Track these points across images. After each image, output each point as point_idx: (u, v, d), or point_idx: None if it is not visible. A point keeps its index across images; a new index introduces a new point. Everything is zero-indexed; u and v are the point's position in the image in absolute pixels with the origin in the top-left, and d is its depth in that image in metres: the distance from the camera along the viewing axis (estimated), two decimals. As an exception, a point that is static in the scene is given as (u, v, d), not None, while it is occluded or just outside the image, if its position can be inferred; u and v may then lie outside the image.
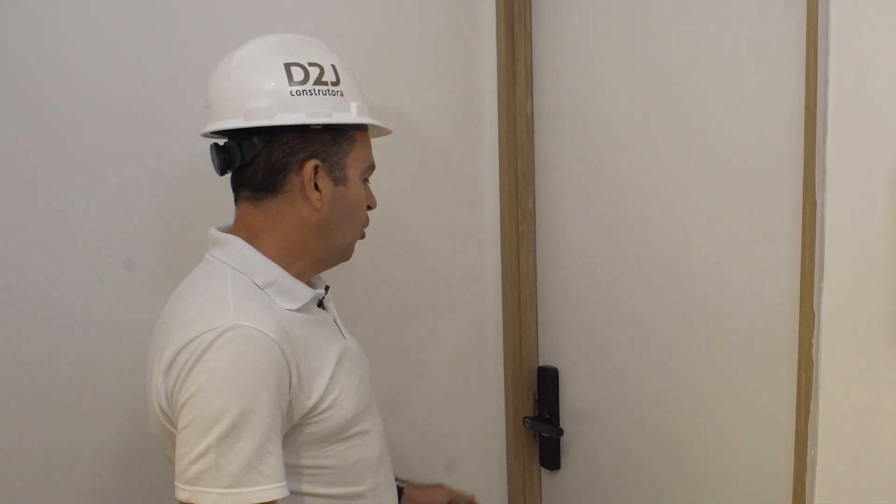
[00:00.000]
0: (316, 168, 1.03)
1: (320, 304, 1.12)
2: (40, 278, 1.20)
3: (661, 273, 1.37)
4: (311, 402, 0.98)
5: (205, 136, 1.08)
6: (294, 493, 0.97)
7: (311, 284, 1.11)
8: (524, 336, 1.62)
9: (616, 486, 1.51)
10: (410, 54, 1.51)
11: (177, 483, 0.90)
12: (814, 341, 1.06)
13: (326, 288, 1.14)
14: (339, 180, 1.05)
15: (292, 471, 0.97)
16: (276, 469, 0.91)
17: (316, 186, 1.03)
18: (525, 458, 1.63)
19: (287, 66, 1.02)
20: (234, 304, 0.95)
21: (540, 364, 1.63)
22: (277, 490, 0.90)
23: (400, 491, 1.29)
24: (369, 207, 1.11)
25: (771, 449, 1.19)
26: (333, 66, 1.05)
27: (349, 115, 1.05)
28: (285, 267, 1.04)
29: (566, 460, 1.60)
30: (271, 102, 1.01)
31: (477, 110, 1.59)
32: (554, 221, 1.57)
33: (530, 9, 1.55)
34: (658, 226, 1.36)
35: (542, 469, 1.65)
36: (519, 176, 1.58)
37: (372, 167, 1.10)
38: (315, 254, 1.07)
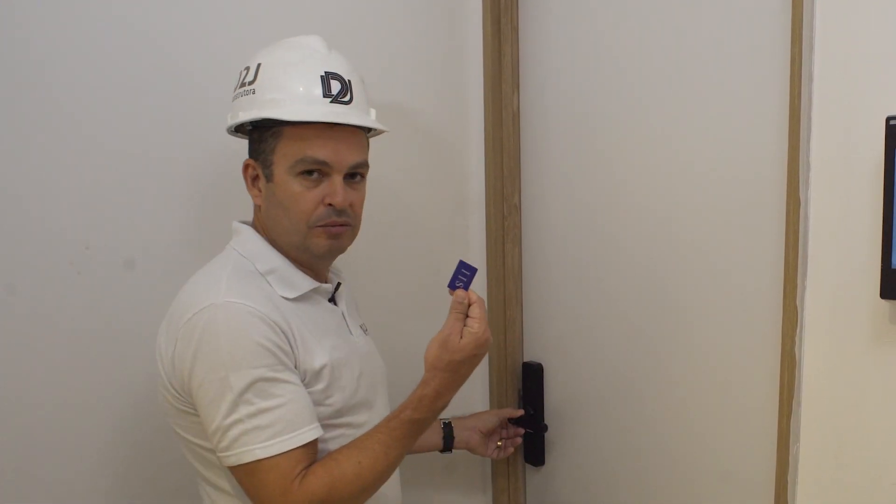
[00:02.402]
0: (247, 166, 1.09)
1: (332, 299, 1.14)
2: (39, 277, 1.21)
3: (645, 269, 1.37)
4: (304, 380, 1.02)
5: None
6: None
7: (327, 279, 1.14)
8: (509, 332, 1.61)
9: (600, 483, 1.51)
10: (396, 48, 1.50)
11: (219, 455, 0.97)
12: (796, 338, 1.07)
13: (338, 285, 1.15)
14: (268, 177, 1.07)
15: None
16: (304, 415, 0.97)
17: (258, 185, 1.08)
18: (509, 454, 1.62)
19: (239, 72, 1.09)
20: (226, 284, 0.99)
21: (525, 360, 1.63)
22: (311, 432, 0.97)
23: (447, 427, 1.42)
24: (330, 204, 1.04)
25: (753, 446, 1.20)
26: (258, 65, 1.05)
27: (254, 111, 1.04)
28: (290, 257, 1.08)
29: (551, 456, 1.60)
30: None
31: (463, 104, 1.59)
32: (540, 217, 1.57)
33: (517, 2, 1.54)
34: (643, 222, 1.36)
35: (527, 465, 1.65)
36: (505, 171, 1.57)
37: (306, 160, 1.03)
38: (282, 248, 1.08)
